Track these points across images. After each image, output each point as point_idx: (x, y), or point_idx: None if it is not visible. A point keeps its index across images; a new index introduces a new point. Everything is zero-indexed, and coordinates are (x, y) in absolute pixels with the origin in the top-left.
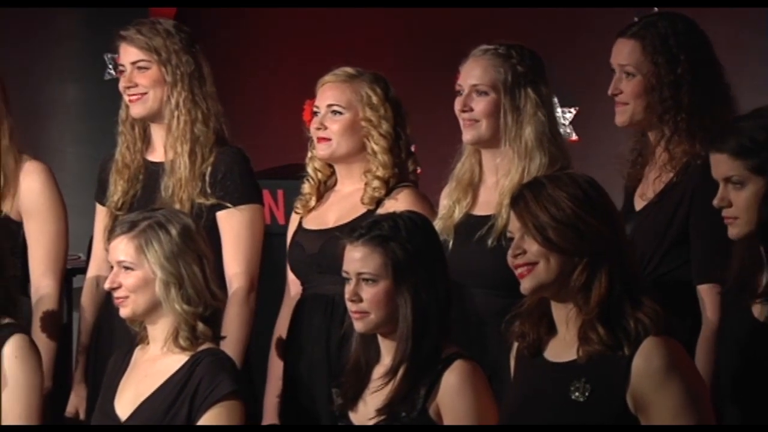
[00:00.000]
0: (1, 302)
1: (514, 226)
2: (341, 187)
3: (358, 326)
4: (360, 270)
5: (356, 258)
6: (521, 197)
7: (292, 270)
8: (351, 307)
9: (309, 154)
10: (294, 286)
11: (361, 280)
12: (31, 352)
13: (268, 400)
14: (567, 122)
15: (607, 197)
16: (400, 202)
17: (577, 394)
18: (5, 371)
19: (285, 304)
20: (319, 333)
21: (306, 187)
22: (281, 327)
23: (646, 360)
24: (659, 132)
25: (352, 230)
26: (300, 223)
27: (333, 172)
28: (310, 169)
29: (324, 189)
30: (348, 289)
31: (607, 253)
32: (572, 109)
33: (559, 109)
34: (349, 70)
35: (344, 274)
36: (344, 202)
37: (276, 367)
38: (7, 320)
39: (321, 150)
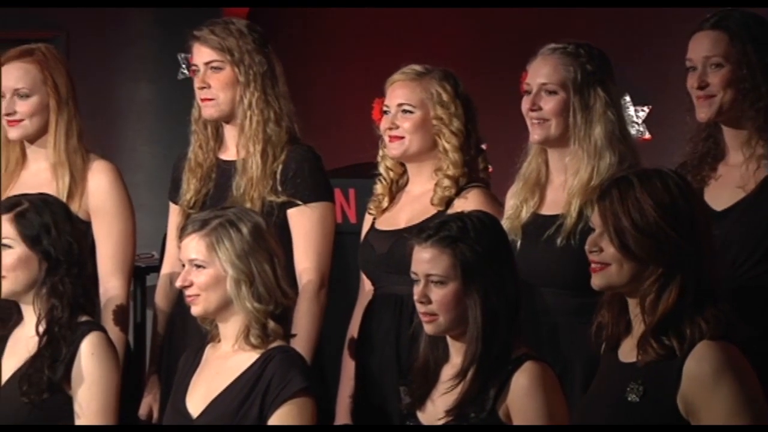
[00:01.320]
0: (79, 301)
1: (596, 221)
2: (412, 187)
3: (428, 329)
4: (429, 271)
5: (425, 259)
6: (608, 194)
7: (363, 270)
8: (420, 308)
9: (380, 153)
10: (367, 285)
11: (429, 281)
12: (108, 349)
13: (341, 399)
14: (640, 121)
15: (696, 201)
16: (469, 202)
17: (633, 395)
18: (82, 368)
19: (358, 303)
20: (389, 332)
21: (378, 188)
22: (354, 326)
23: (697, 364)
24: (747, 123)
25: (420, 231)
26: (372, 224)
27: (405, 171)
28: (381, 169)
29: (396, 189)
30: (417, 290)
31: (683, 265)
32: (645, 108)
33: (631, 108)
34: (417, 67)
35: (413, 276)
36: (415, 203)
37: (349, 366)
38: (84, 318)
39: (393, 149)
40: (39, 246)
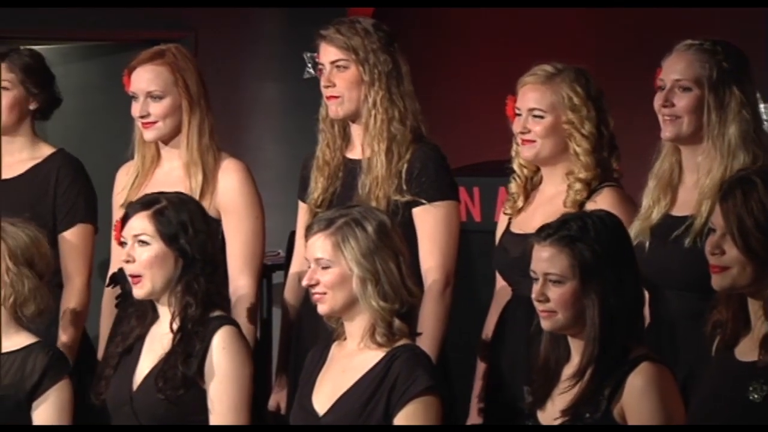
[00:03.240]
0: (212, 297)
1: (718, 222)
2: (546, 188)
3: (546, 324)
4: (547, 270)
5: (543, 258)
6: (731, 194)
7: (498, 271)
8: (538, 306)
9: (514, 148)
10: (501, 287)
11: (548, 280)
12: (240, 343)
13: (474, 399)
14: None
15: None
16: (600, 204)
17: (755, 395)
18: (214, 363)
19: (493, 303)
20: (522, 335)
21: (513, 187)
22: (489, 326)
23: None
24: None
25: (540, 230)
26: (508, 226)
27: (539, 168)
28: (515, 166)
29: (531, 187)
30: (535, 289)
31: None
32: None
33: (761, 105)
34: (548, 68)
35: (532, 274)
36: (548, 205)
37: (481, 366)
38: (217, 313)
39: (525, 152)
40: (176, 244)
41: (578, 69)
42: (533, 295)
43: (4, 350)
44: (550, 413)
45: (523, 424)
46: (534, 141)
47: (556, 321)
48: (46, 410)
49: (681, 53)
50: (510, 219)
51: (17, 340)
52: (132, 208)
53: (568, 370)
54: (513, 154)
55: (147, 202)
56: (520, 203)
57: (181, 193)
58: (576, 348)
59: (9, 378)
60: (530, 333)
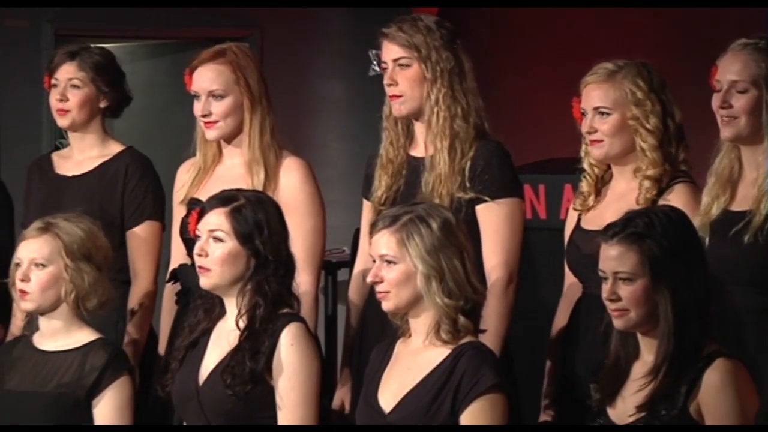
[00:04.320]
0: (282, 295)
1: None
2: (616, 184)
3: (618, 323)
4: (616, 269)
5: (612, 257)
6: None
7: (569, 269)
8: (610, 305)
9: (583, 147)
10: (571, 283)
11: (618, 278)
12: (308, 340)
13: (545, 396)
14: None
15: None
16: (673, 201)
17: None
18: (282, 359)
19: (562, 300)
20: (597, 333)
21: (584, 185)
22: (557, 323)
23: None
24: None
25: (606, 228)
26: (578, 222)
27: (609, 166)
28: (585, 165)
29: (601, 184)
30: (605, 288)
31: None
32: None
33: None
34: (609, 66)
35: (600, 273)
36: (621, 202)
37: (551, 363)
38: (285, 310)
39: (595, 152)
40: (250, 243)
41: (640, 63)
42: (604, 295)
43: (64, 348)
44: (623, 411)
45: (593, 423)
46: (602, 140)
47: (629, 319)
48: (105, 408)
49: (736, 53)
50: (580, 215)
51: (79, 337)
52: (210, 204)
53: (639, 367)
54: (582, 154)
55: (225, 199)
56: (591, 201)
57: (261, 193)
58: (647, 345)
59: (69, 376)
60: (600, 331)
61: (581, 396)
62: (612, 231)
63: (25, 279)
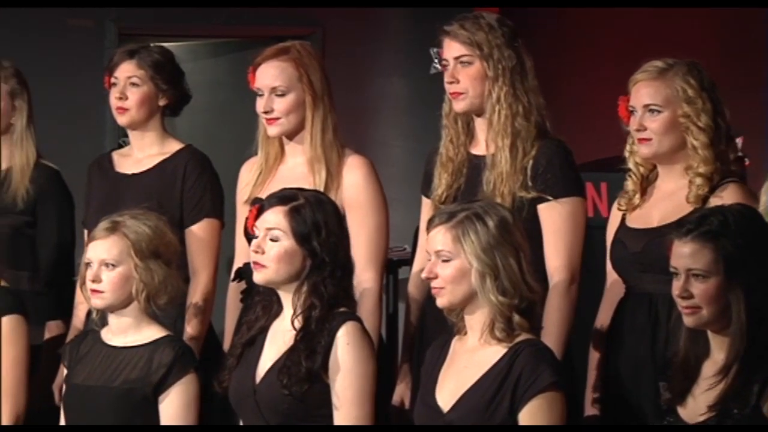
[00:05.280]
0: (338, 297)
1: None
2: (662, 184)
3: (689, 321)
4: (690, 266)
5: (686, 254)
6: None
7: (614, 267)
8: (681, 303)
9: (628, 147)
10: (613, 281)
11: (690, 276)
12: (363, 339)
13: (588, 394)
14: None
15: None
16: (726, 200)
17: None
18: (338, 358)
19: (605, 298)
20: (644, 332)
21: (629, 184)
22: (600, 322)
23: None
24: None
25: (680, 225)
26: (623, 221)
27: (655, 166)
28: (631, 164)
29: (647, 183)
30: (677, 285)
31: None
32: None
33: None
34: (659, 63)
35: (672, 270)
36: (668, 200)
37: (594, 359)
38: (342, 309)
39: (643, 150)
40: (307, 244)
41: (690, 62)
42: (675, 292)
43: (133, 344)
44: (693, 409)
45: (662, 422)
46: (650, 138)
47: (701, 317)
48: (171, 404)
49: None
50: (624, 214)
51: (148, 333)
52: (269, 201)
53: (709, 366)
54: (627, 153)
55: (284, 197)
56: (636, 200)
57: (321, 193)
58: (717, 344)
59: (137, 372)
60: (669, 328)
61: (630, 396)
62: (686, 228)
63: (96, 280)
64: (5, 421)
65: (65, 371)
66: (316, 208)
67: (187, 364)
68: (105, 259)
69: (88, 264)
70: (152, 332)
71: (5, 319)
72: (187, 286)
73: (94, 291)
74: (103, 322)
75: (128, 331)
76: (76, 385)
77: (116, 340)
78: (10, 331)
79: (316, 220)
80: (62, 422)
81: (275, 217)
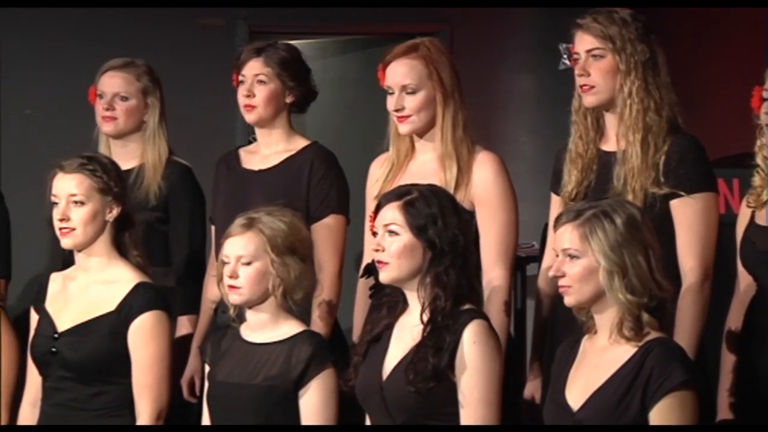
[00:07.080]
0: (463, 291)
1: None
2: None
3: None
4: None
5: None
6: None
7: (744, 265)
8: None
9: (758, 143)
10: (744, 279)
11: None
12: (490, 337)
13: (722, 394)
14: None
15: None
16: None
17: None
18: (465, 356)
19: (735, 298)
20: None
21: (757, 180)
22: (732, 320)
23: None
24: None
25: None
26: (752, 218)
27: None
28: (759, 159)
29: None
30: None
31: None
32: None
33: None
34: None
35: None
36: None
37: (729, 360)
38: (467, 306)
39: None
40: (425, 235)
41: None
42: None
43: (271, 340)
44: None
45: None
46: None
47: None
48: (311, 399)
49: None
50: (753, 211)
51: (286, 329)
52: (385, 199)
53: None
54: (756, 148)
55: (399, 193)
56: (764, 196)
57: (434, 185)
58: None
59: (277, 368)
60: None
61: (765, 393)
62: None
63: (234, 276)
64: (147, 418)
65: (198, 366)
66: (430, 199)
67: (325, 358)
68: (242, 256)
69: (225, 261)
70: (289, 328)
71: (149, 314)
72: None
73: (231, 287)
74: (241, 319)
75: (266, 327)
76: (217, 382)
77: (254, 337)
78: (152, 327)
79: (432, 212)
80: (205, 419)
81: (391, 213)
